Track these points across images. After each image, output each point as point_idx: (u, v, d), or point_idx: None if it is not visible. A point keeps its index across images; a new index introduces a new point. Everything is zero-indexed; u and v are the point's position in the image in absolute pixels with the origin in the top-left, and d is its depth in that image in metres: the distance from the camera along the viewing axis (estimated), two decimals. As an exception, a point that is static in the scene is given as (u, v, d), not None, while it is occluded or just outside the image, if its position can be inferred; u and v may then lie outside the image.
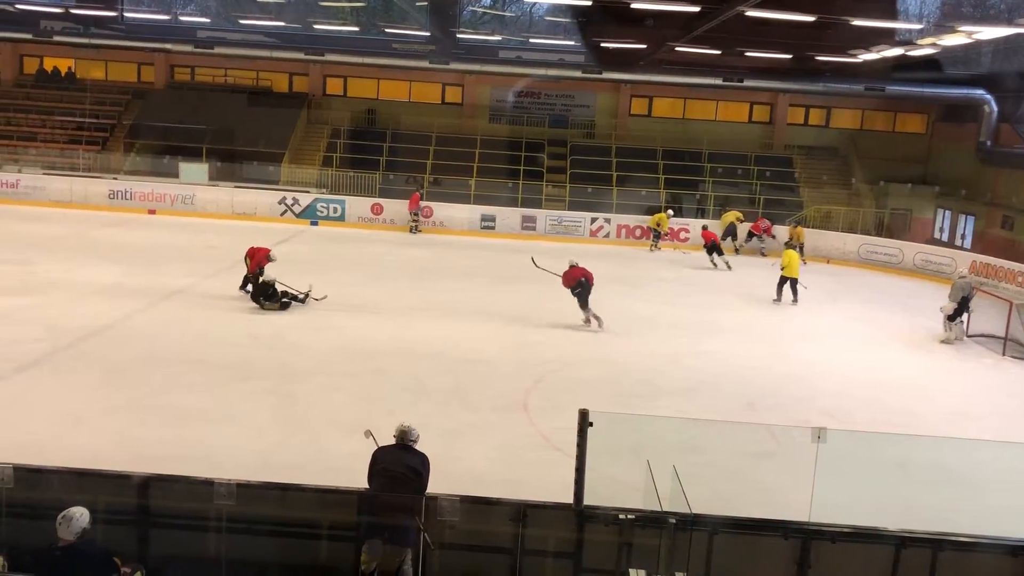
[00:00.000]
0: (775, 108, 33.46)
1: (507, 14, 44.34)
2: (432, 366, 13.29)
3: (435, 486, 6.74)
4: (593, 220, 28.36)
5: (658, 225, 27.09)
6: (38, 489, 6.41)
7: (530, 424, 11.09)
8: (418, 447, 6.89)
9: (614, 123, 33.48)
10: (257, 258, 16.95)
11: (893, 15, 22.63)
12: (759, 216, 28.02)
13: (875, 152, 31.89)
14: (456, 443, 9.95)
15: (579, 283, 16.34)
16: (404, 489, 6.58)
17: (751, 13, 17.81)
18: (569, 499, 6.49)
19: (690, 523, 5.96)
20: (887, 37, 22.98)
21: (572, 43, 32.83)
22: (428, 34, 31.38)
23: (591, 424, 6.37)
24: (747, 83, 29.92)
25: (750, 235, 27.37)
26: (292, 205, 28.40)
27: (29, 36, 32.69)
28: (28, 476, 6.41)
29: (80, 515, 5.61)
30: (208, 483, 6.44)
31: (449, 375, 12.93)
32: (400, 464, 6.69)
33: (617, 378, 13.31)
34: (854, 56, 25.10)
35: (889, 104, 32.44)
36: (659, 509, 5.98)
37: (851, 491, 7.34)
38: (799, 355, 15.49)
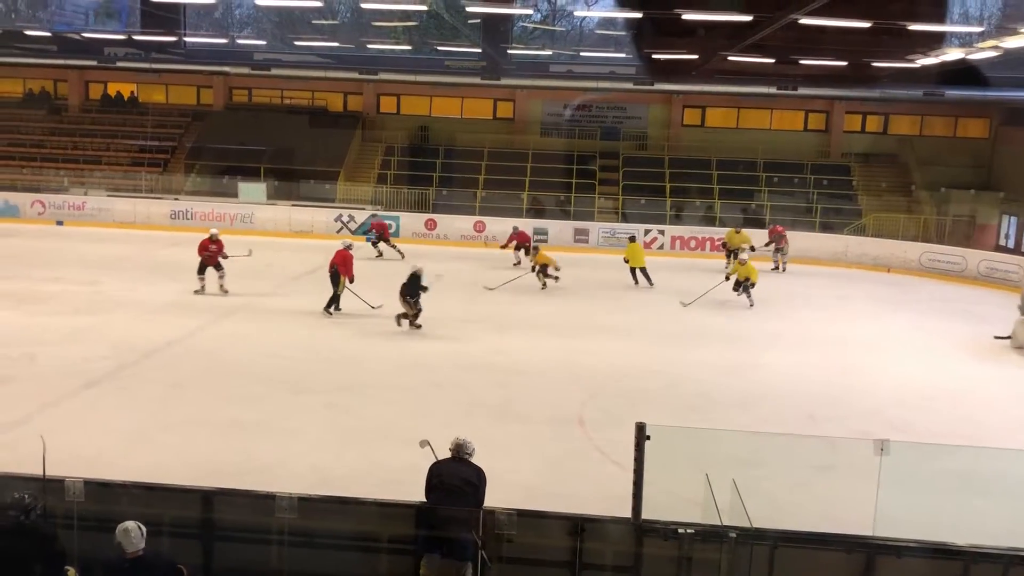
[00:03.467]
0: (831, 115, 32.97)
1: (557, 28, 44.47)
2: (485, 379, 13.34)
3: (491, 499, 6.76)
4: (647, 232, 28.20)
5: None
6: (108, 503, 6.57)
7: (585, 437, 11.06)
8: (473, 460, 6.92)
9: (666, 134, 33.31)
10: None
11: (952, 19, 22.17)
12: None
13: (935, 158, 31.16)
14: (510, 456, 9.95)
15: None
16: (461, 503, 6.61)
17: (805, 21, 17.60)
18: (626, 513, 6.45)
19: (751, 537, 5.89)
20: (946, 41, 22.52)
21: (623, 55, 32.78)
22: (479, 51, 31.62)
23: (648, 438, 6.33)
24: (802, 91, 29.57)
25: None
26: (348, 222, 28.78)
27: (94, 63, 33.81)
28: (98, 490, 6.59)
29: (138, 527, 5.75)
30: (270, 497, 6.55)
31: (502, 388, 12.96)
32: (456, 477, 6.72)
33: (673, 390, 13.20)
34: (912, 61, 24.62)
35: (949, 109, 31.74)
36: (719, 523, 5.92)
37: (916, 504, 7.17)
38: (859, 365, 15.18)
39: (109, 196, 29.74)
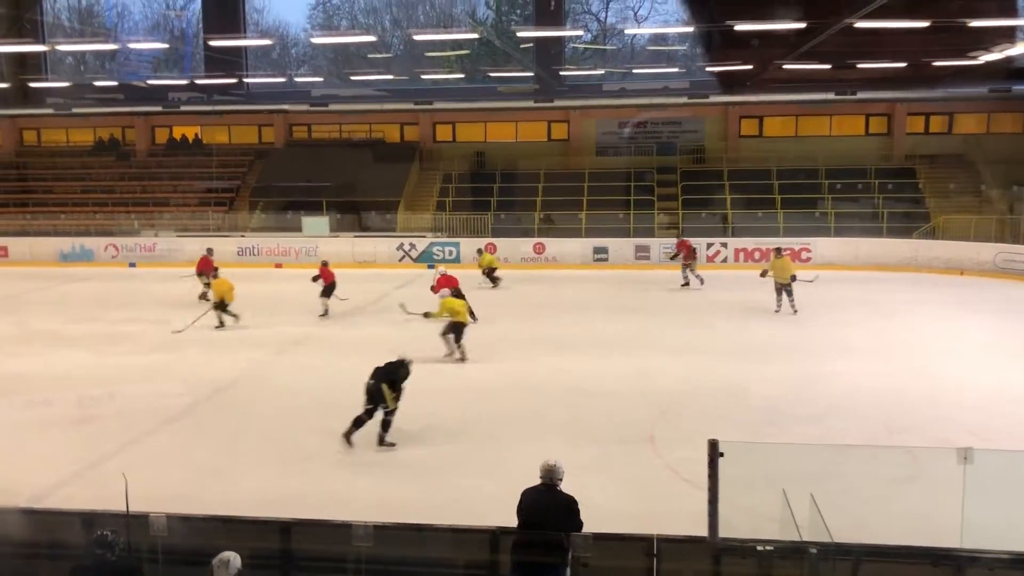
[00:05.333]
0: (893, 118, 32.35)
1: (608, 47, 44.56)
2: (553, 400, 13.31)
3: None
4: (709, 246, 27.93)
5: None
6: (190, 537, 6.72)
7: (656, 456, 10.94)
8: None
9: (724, 146, 33.04)
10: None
11: (1015, 12, 21.61)
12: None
13: (1005, 156, 30.30)
14: (581, 477, 9.85)
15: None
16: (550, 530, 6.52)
17: (860, 24, 17.35)
18: (701, 532, 6.36)
19: (833, 552, 5.75)
20: (1009, 35, 21.93)
21: (676, 70, 32.70)
22: (532, 74, 31.88)
23: (722, 454, 6.24)
24: (861, 95, 29.08)
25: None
26: (409, 250, 29.15)
27: (159, 108, 35.00)
28: (180, 525, 6.74)
29: (234, 558, 5.84)
30: (346, 526, 6.61)
31: (570, 408, 12.90)
32: (544, 507, 6.63)
33: (743, 406, 12.99)
34: (974, 58, 24.04)
35: (1017, 105, 30.87)
36: (798, 539, 5.80)
37: (1005, 514, 6.91)
38: (935, 371, 14.76)
39: (178, 236, 30.63)
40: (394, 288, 23.30)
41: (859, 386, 13.82)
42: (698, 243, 27.91)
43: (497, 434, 11.73)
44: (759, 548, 6.21)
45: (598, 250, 28.33)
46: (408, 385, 11.32)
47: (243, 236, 30.47)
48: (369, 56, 38.26)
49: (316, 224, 30.48)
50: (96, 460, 10.79)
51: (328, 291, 20.25)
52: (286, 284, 25.51)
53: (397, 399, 11.17)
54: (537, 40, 29.29)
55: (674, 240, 25.47)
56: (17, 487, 9.43)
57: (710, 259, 27.85)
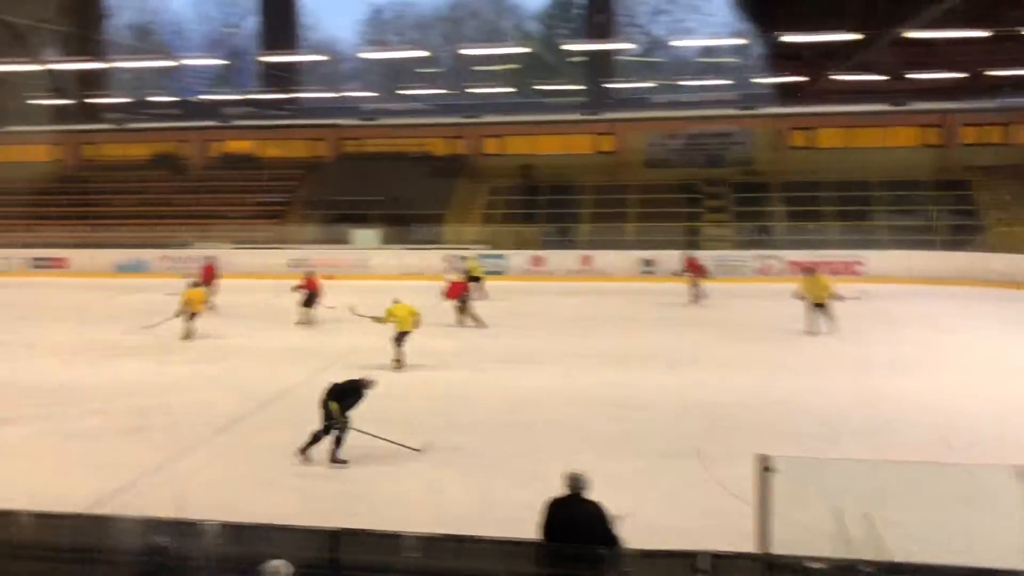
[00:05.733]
0: (947, 129, 31.73)
1: (656, 60, 44.42)
2: (599, 413, 13.24)
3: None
4: (760, 258, 27.62)
5: None
6: (241, 544, 6.80)
7: (703, 470, 10.81)
8: (589, 495, 6.81)
9: (775, 157, 32.69)
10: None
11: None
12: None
13: (1067, 166, 29.54)
14: (626, 491, 9.80)
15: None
16: (583, 540, 6.52)
17: (913, 35, 17.07)
18: (750, 548, 6.26)
19: (888, 571, 5.62)
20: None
21: (726, 82, 32.47)
22: (580, 87, 31.92)
23: (772, 470, 6.15)
24: (914, 106, 28.59)
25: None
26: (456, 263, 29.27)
27: (213, 123, 35.74)
28: (232, 532, 6.84)
29: (284, 566, 5.90)
30: (394, 536, 6.64)
31: (616, 422, 12.83)
32: (574, 515, 6.64)
33: (795, 421, 12.79)
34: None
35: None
36: (852, 558, 5.68)
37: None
38: (991, 387, 14.38)
39: (231, 249, 31.14)
40: (441, 301, 23.37)
41: (914, 402, 13.54)
42: (746, 256, 27.68)
43: (544, 447, 11.70)
44: (811, 566, 6.10)
45: (646, 262, 28.17)
46: (450, 392, 11.33)
47: (295, 248, 30.89)
48: (418, 71, 38.65)
49: (365, 236, 30.83)
50: (150, 468, 10.99)
51: (310, 301, 20.79)
52: (337, 296, 25.77)
53: (343, 416, 11.07)
54: (585, 54, 29.31)
55: (680, 254, 25.29)
56: (76, 493, 9.66)
57: (762, 272, 27.53)
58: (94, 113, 36.86)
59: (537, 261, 28.80)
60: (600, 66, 32.99)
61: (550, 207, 31.79)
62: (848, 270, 26.63)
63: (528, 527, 6.90)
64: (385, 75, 46.88)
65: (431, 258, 29.53)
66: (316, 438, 11.21)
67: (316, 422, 11.63)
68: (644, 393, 14.36)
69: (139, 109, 39.05)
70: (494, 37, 49.63)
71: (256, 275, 29.48)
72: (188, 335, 19.14)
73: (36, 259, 31.88)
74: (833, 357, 16.80)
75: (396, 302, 16.54)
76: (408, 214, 31.55)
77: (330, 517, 7.77)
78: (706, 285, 23.73)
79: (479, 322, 20.21)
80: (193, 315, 19.26)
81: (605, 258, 28.59)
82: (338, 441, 11.17)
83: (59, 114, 35.40)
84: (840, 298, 18.87)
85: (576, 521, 6.61)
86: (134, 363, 16.99)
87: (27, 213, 33.97)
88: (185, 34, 57.45)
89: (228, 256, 30.57)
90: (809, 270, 19.77)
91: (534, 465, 10.96)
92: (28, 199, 34.79)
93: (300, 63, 36.64)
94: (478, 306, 21.13)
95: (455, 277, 21.11)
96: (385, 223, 31.21)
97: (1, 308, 23.73)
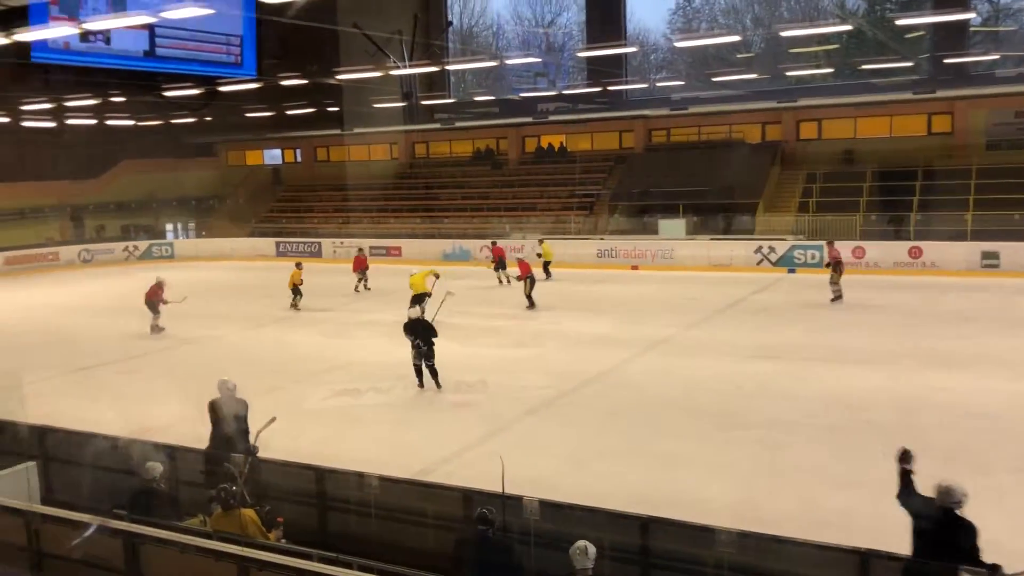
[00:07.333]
0: None
1: (1002, 29, 39.79)
2: (928, 420, 12.07)
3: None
4: None
5: None
6: (558, 522, 7.00)
7: (1063, 492, 9.48)
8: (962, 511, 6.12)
9: None
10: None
11: None
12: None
13: None
14: (967, 510, 8.84)
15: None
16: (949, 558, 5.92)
17: None
18: None
19: None
20: None
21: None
22: (910, 64, 29.31)
23: None
24: None
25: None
26: (768, 254, 28.19)
27: (529, 119, 37.38)
28: (550, 510, 7.06)
29: (591, 547, 5.98)
30: (707, 529, 6.49)
31: (950, 431, 11.61)
32: (945, 530, 6.03)
33: None
34: None
35: None
36: None
37: None
38: None
39: (543, 239, 32.33)
40: (750, 293, 22.66)
41: None
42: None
43: (864, 451, 10.88)
44: None
45: (987, 255, 25.29)
46: (768, 387, 10.74)
47: (602, 239, 31.46)
48: (729, 56, 37.72)
49: (673, 227, 30.62)
50: (471, 443, 11.71)
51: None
52: (644, 286, 25.94)
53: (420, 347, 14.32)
54: (923, 27, 26.74)
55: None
56: (408, 460, 10.53)
57: None
58: (427, 114, 40.10)
59: (858, 252, 26.89)
60: (940, 40, 30.03)
61: (873, 194, 29.53)
62: None
63: (844, 532, 6.45)
64: (695, 62, 46.32)
65: (740, 249, 28.68)
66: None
67: (621, 409, 11.73)
68: (982, 401, 12.88)
69: (464, 109, 41.94)
70: (812, 16, 47.08)
71: (566, 264, 30.38)
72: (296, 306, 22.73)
73: (373, 247, 35.25)
74: None
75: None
76: (716, 204, 30.86)
77: (638, 504, 7.74)
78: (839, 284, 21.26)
79: (531, 302, 22.08)
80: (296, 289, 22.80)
81: (937, 250, 26.00)
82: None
83: (398, 116, 38.94)
84: None
85: (948, 537, 6.00)
86: (454, 344, 18.11)
87: (370, 207, 37.72)
88: (503, 35, 60.65)
89: (537, 247, 31.80)
90: None
91: (855, 471, 10.26)
92: (372, 194, 38.67)
93: (616, 56, 37.15)
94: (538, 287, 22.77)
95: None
96: (692, 213, 30.77)
97: (332, 292, 26.40)
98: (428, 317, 15.36)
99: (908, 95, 29.06)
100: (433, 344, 14.35)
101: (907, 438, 11.28)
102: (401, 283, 22.13)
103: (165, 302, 20.08)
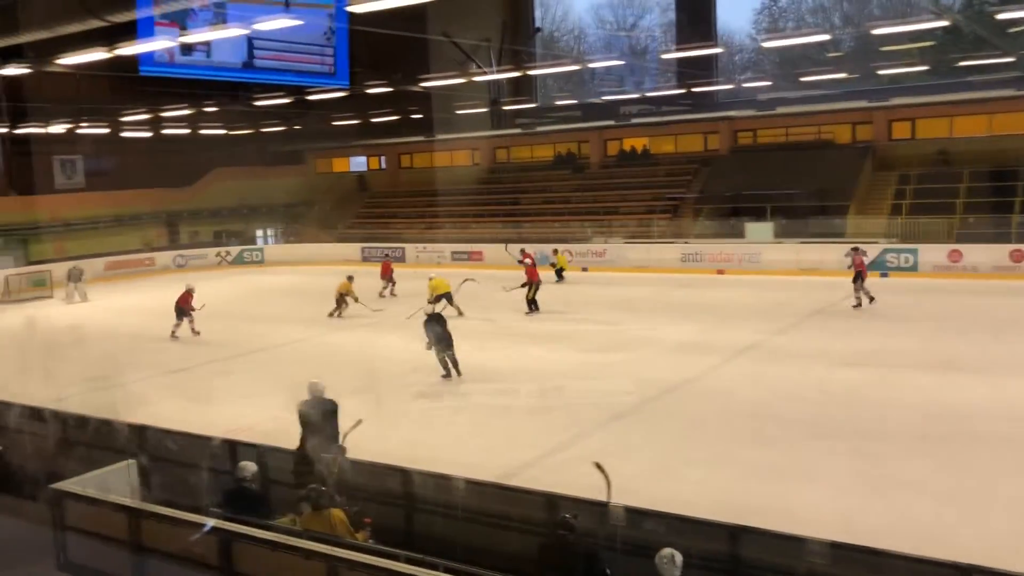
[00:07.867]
0: None
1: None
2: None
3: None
4: None
5: None
6: (643, 530, 6.91)
7: None
8: None
9: None
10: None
11: None
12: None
13: None
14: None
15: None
16: None
17: None
18: None
19: None
20: None
21: None
22: (1012, 60, 28.08)
23: None
24: None
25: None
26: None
27: (612, 122, 37.16)
28: (636, 517, 6.98)
29: (677, 555, 5.88)
30: (799, 539, 6.31)
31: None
32: None
33: None
34: None
35: None
36: None
37: None
38: None
39: (626, 243, 32.14)
40: (841, 298, 22.04)
41: None
42: None
43: (966, 465, 10.47)
44: None
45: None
46: (858, 395, 10.36)
47: (687, 243, 31.03)
48: (818, 56, 36.80)
49: (759, 230, 30.00)
50: (555, 447, 11.67)
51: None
52: (730, 290, 25.49)
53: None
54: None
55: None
56: (489, 464, 10.55)
57: None
58: (509, 119, 40.26)
59: (954, 256, 25.89)
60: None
61: (971, 195, 28.40)
62: None
63: (946, 547, 6.18)
64: (782, 62, 45.38)
65: (830, 253, 27.88)
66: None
67: (707, 417, 11.51)
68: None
69: (545, 113, 41.94)
70: (904, 13, 45.61)
71: (649, 268, 30.11)
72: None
73: (454, 252, 35.54)
74: None
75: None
76: (805, 206, 30.09)
77: (726, 513, 7.58)
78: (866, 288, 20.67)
79: (533, 306, 22.28)
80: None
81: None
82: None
83: (480, 122, 39.20)
84: None
85: None
86: (536, 349, 18.14)
87: (452, 212, 38.12)
88: (585, 39, 60.60)
89: (620, 251, 31.60)
90: None
91: (955, 483, 9.87)
92: (454, 199, 39.04)
93: (707, 57, 36.60)
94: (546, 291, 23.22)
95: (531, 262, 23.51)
96: (780, 216, 30.08)
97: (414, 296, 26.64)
98: (453, 306, 18.11)
99: (1010, 91, 27.82)
100: (451, 336, 15.42)
101: (1011, 452, 10.87)
102: (480, 289, 22.45)
103: (194, 309, 20.98)
